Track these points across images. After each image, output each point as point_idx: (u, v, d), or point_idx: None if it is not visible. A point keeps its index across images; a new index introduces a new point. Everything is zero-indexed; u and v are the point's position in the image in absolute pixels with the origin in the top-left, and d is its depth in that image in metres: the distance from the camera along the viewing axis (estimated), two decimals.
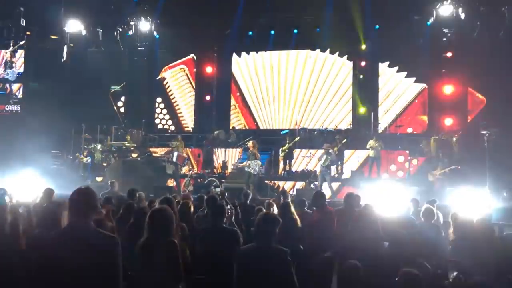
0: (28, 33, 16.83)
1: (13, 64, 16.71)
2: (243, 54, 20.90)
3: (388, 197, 8.43)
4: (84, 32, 16.94)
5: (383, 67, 19.16)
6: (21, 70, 17.04)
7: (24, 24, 16.44)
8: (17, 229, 3.04)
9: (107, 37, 18.20)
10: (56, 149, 16.60)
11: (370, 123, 18.10)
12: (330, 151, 14.10)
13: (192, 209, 6.23)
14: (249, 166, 13.93)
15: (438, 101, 17.83)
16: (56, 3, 15.71)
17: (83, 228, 3.15)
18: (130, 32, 18.82)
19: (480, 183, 11.54)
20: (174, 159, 15.17)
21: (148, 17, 19.01)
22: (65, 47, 16.78)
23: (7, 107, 16.74)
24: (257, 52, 20.75)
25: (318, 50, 20.01)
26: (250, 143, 14.73)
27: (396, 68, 18.89)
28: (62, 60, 16.81)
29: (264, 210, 6.59)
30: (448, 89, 17.37)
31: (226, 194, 8.25)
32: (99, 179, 15.33)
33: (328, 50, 19.85)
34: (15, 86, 17.17)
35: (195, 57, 21.38)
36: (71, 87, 16.69)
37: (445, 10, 16.30)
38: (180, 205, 6.06)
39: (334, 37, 18.57)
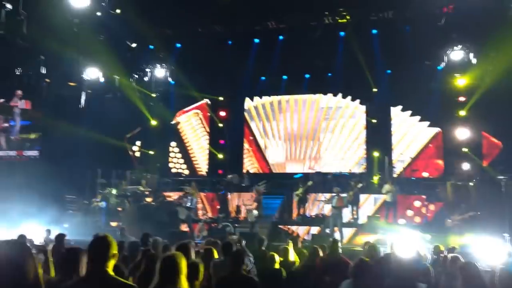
0: (47, 80, 17.32)
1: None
2: (256, 98, 21.20)
3: (408, 243, 8.25)
4: (101, 79, 17.36)
5: (396, 111, 19.23)
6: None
7: (44, 72, 16.94)
8: (37, 275, 3.04)
9: (123, 84, 18.63)
10: (72, 194, 16.71)
11: (384, 167, 17.99)
12: (340, 194, 14.09)
13: (216, 256, 6.11)
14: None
15: (453, 145, 17.72)
16: (75, 52, 16.21)
17: (101, 276, 3.14)
18: (146, 79, 19.26)
19: (498, 229, 11.28)
20: (188, 204, 15.19)
21: (163, 64, 19.50)
22: (83, 94, 17.17)
23: (25, 153, 17.02)
24: (269, 97, 21.04)
25: (330, 95, 20.22)
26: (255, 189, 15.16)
27: (409, 112, 18.95)
28: (80, 106, 17.18)
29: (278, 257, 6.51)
30: (462, 133, 17.28)
31: (244, 241, 8.14)
32: (113, 224, 15.31)
33: (340, 94, 20.06)
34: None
35: (209, 102, 21.72)
36: (88, 133, 16.96)
37: (456, 55, 16.43)
38: (205, 252, 5.95)
39: (346, 82, 18.83)
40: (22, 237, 6.96)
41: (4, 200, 12.88)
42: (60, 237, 7.67)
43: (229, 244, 6.24)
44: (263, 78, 20.33)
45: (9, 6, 12.64)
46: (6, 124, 17.61)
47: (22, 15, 12.96)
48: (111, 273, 3.22)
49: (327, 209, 15.74)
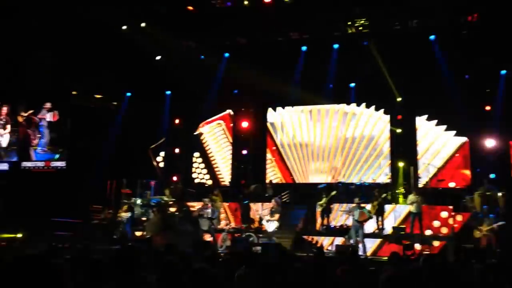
0: (74, 92, 17.75)
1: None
2: (279, 108, 21.23)
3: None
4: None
5: (421, 120, 18.98)
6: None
7: (71, 84, 17.39)
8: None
9: (148, 96, 18.91)
10: (97, 204, 16.97)
11: (409, 177, 17.74)
12: (361, 205, 13.99)
13: None
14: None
15: (480, 155, 17.38)
16: (101, 64, 16.58)
17: (129, 285, 3.18)
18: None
19: None
20: (210, 215, 15.26)
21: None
22: (109, 105, 17.52)
23: (52, 164, 17.40)
24: (292, 107, 21.04)
25: (353, 104, 20.11)
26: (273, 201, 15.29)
27: (435, 121, 18.68)
28: (106, 117, 17.53)
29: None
30: (489, 143, 16.94)
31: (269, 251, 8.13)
32: (138, 233, 15.47)
33: (364, 104, 19.93)
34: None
35: (231, 113, 21.84)
36: (113, 144, 17.27)
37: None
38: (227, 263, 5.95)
39: (369, 91, 18.68)
40: (50, 249, 7.06)
41: (32, 211, 13.16)
42: (85, 249, 7.75)
43: (253, 255, 6.24)
44: (286, 88, 20.35)
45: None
46: (35, 139, 18.05)
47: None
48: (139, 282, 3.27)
49: (350, 220, 15.61)
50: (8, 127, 18.37)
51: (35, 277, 2.44)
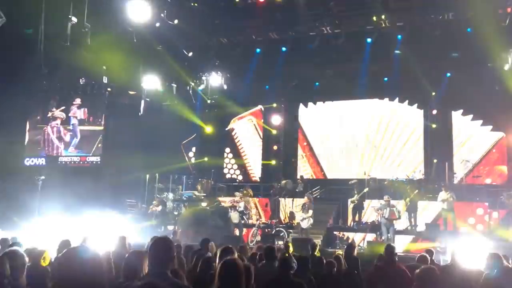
0: (109, 89, 18.10)
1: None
2: (310, 104, 21.11)
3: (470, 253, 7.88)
4: (159, 88, 17.93)
5: (456, 115, 18.52)
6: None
7: (106, 82, 17.73)
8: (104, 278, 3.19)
9: (180, 92, 19.13)
10: (131, 198, 17.33)
11: (444, 173, 17.36)
12: (390, 202, 13.89)
13: None
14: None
15: None
16: (135, 62, 16.86)
17: (162, 279, 3.23)
18: (202, 86, 19.66)
19: None
20: (242, 208, 15.44)
21: (219, 72, 19.82)
22: (142, 102, 17.79)
23: (88, 159, 17.82)
24: (324, 103, 20.89)
25: (386, 99, 19.79)
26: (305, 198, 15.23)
27: (471, 116, 18.19)
28: (139, 113, 17.80)
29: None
30: None
31: (291, 246, 8.16)
32: (170, 227, 15.73)
33: (397, 98, 19.58)
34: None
35: (262, 108, 21.87)
36: (146, 139, 17.55)
37: None
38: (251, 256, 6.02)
39: (403, 86, 18.32)
40: (85, 241, 7.24)
41: (69, 205, 13.52)
42: (122, 240, 7.94)
43: (272, 248, 6.27)
44: (317, 83, 20.22)
45: (74, 19, 13.36)
46: (67, 138, 18.30)
47: (86, 27, 13.65)
48: (170, 275, 3.32)
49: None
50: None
51: None
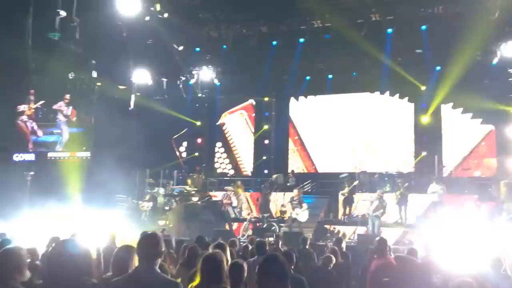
0: (98, 84, 17.94)
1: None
2: (301, 98, 21.12)
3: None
4: (150, 82, 17.82)
5: (446, 108, 18.63)
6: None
7: (95, 76, 17.57)
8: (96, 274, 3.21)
9: (170, 86, 19.04)
10: (121, 194, 17.23)
11: (434, 166, 17.47)
12: (383, 198, 13.95)
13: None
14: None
15: (506, 143, 16.97)
16: (125, 56, 16.73)
17: (148, 273, 3.24)
18: (192, 81, 19.60)
19: None
20: (235, 204, 15.50)
21: (210, 66, 19.75)
22: (132, 96, 17.67)
23: (77, 154, 17.66)
24: (315, 96, 20.90)
25: (377, 93, 19.85)
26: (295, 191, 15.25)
27: (461, 109, 18.30)
28: (129, 108, 17.69)
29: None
30: None
31: (281, 241, 8.18)
32: (161, 222, 15.69)
33: (388, 92, 19.64)
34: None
35: (254, 103, 21.85)
36: (136, 134, 17.45)
37: (509, 49, 15.66)
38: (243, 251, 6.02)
39: (394, 80, 18.36)
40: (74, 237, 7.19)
41: (58, 200, 13.43)
42: (112, 235, 7.91)
43: (263, 243, 6.28)
44: (308, 77, 20.21)
45: (63, 13, 13.19)
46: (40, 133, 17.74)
47: (75, 21, 13.49)
48: (158, 270, 3.32)
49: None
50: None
51: None
